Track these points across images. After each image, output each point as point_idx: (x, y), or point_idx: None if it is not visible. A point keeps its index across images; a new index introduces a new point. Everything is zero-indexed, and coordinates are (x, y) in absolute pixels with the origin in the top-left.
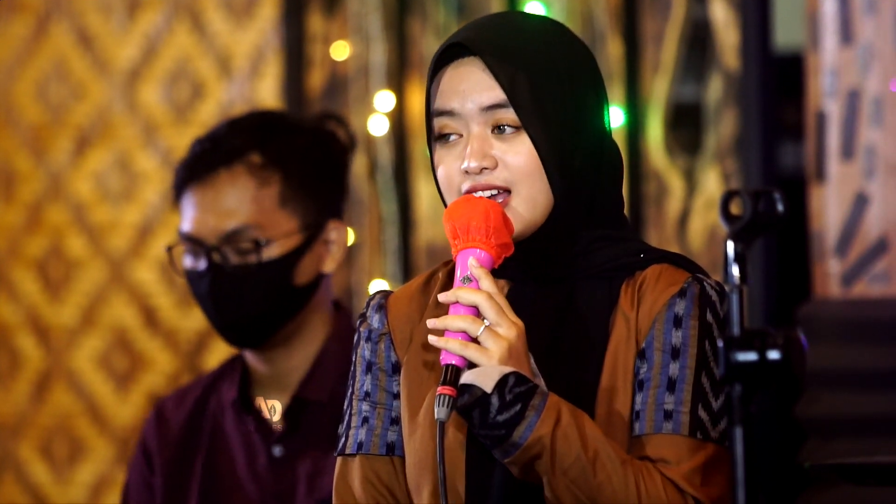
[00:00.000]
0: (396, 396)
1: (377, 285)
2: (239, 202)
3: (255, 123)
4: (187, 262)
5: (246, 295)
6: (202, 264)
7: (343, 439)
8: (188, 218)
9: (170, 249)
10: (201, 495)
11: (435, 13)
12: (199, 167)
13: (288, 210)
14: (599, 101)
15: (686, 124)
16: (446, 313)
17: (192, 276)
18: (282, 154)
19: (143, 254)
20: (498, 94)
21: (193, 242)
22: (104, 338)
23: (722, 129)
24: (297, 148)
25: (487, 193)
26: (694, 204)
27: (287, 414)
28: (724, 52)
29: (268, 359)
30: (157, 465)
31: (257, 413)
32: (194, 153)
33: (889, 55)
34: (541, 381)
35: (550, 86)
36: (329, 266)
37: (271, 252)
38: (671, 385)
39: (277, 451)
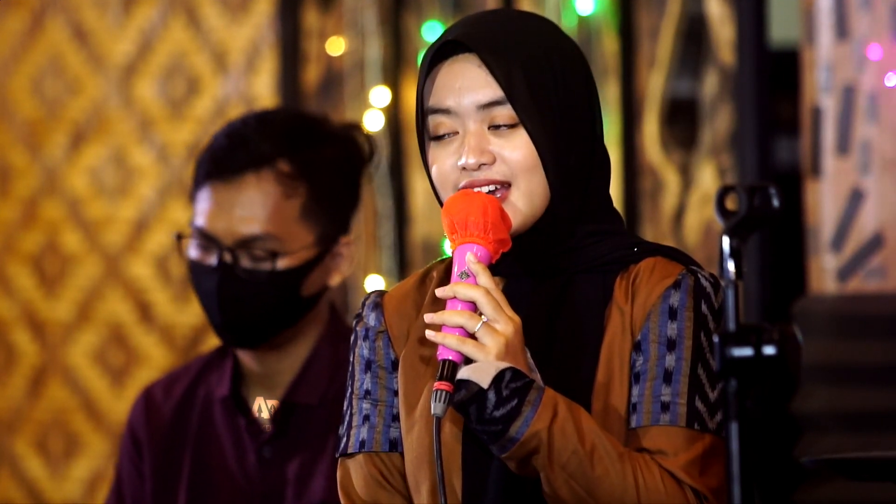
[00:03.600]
0: (397, 393)
1: (373, 281)
2: (261, 209)
3: (286, 127)
4: (193, 252)
5: (252, 300)
6: (212, 260)
7: (344, 440)
8: (204, 212)
9: (179, 237)
10: (190, 488)
11: (430, 9)
12: (225, 164)
13: (307, 223)
14: (591, 99)
15: (681, 119)
16: (443, 309)
17: (197, 269)
18: (310, 165)
19: (138, 249)
20: (495, 92)
21: (206, 238)
22: (99, 333)
23: (717, 124)
24: (325, 160)
25: (486, 189)
26: (689, 199)
27: (276, 417)
28: (719, 48)
29: (260, 359)
30: (146, 454)
31: (248, 412)
32: (220, 147)
33: (884, 50)
34: (537, 377)
35: (546, 82)
36: (336, 280)
37: (284, 263)
38: (667, 377)
39: (267, 451)
